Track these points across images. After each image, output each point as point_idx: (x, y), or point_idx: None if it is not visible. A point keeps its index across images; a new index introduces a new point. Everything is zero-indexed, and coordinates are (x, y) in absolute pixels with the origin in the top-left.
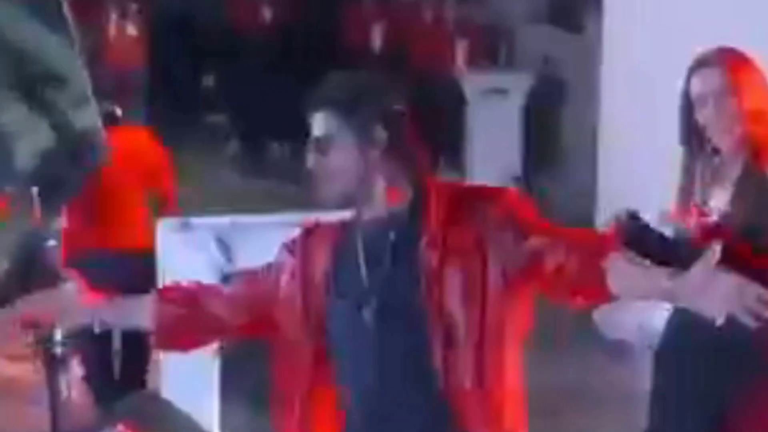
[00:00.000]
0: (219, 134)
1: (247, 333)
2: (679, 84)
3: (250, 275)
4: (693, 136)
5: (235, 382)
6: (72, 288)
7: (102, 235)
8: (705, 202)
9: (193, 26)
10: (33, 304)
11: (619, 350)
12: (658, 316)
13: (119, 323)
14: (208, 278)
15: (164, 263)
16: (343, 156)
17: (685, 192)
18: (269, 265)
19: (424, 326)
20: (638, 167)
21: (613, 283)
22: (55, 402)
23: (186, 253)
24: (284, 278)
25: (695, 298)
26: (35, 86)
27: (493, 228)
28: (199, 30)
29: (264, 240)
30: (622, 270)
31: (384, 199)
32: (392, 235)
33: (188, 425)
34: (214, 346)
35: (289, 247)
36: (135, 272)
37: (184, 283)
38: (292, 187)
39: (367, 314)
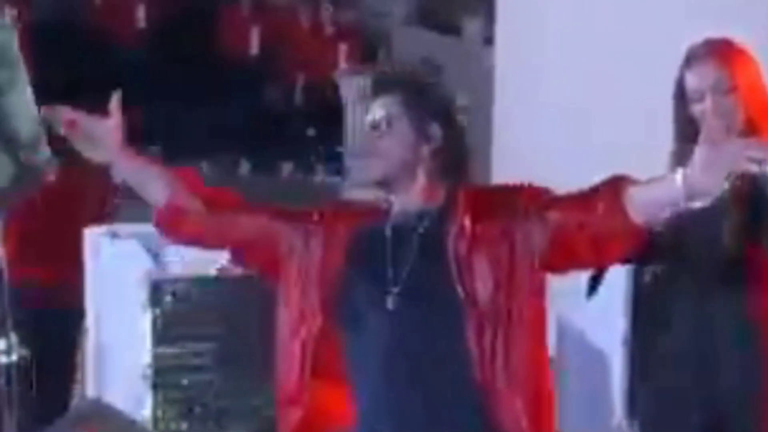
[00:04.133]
0: None
1: (244, 254)
2: (573, 82)
3: (277, 210)
4: (688, 127)
5: (168, 392)
6: (113, 124)
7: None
8: None
9: (68, 31)
10: (74, 116)
11: None
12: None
13: (134, 183)
14: (137, 286)
15: (92, 272)
16: (395, 141)
17: None
18: (294, 211)
19: (453, 313)
20: (533, 165)
21: (636, 214)
22: None
23: (114, 262)
24: (306, 231)
25: (708, 175)
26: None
27: (520, 219)
28: (76, 34)
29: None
30: (636, 198)
31: (419, 195)
32: (421, 229)
33: (133, 426)
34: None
35: (314, 215)
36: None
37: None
38: None
39: (391, 302)
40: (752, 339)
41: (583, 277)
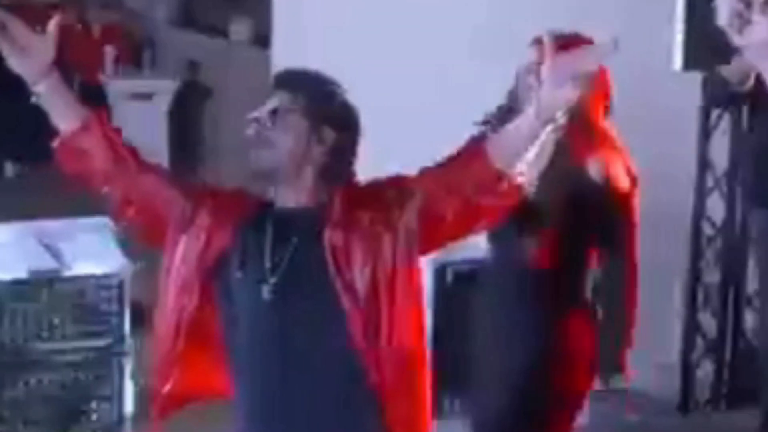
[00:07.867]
0: None
1: (133, 208)
2: (356, 83)
3: (177, 177)
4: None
5: None
6: (46, 42)
7: None
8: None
9: None
10: (7, 19)
11: None
12: None
13: (49, 106)
14: None
15: None
16: (287, 136)
17: None
18: (192, 182)
19: (333, 306)
20: None
21: (498, 157)
22: None
23: None
24: (198, 203)
25: (556, 85)
26: None
27: (395, 207)
28: None
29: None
30: (495, 141)
31: (303, 193)
32: (301, 224)
33: None
34: None
35: (209, 191)
36: None
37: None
38: None
39: (267, 292)
40: (543, 344)
41: None
